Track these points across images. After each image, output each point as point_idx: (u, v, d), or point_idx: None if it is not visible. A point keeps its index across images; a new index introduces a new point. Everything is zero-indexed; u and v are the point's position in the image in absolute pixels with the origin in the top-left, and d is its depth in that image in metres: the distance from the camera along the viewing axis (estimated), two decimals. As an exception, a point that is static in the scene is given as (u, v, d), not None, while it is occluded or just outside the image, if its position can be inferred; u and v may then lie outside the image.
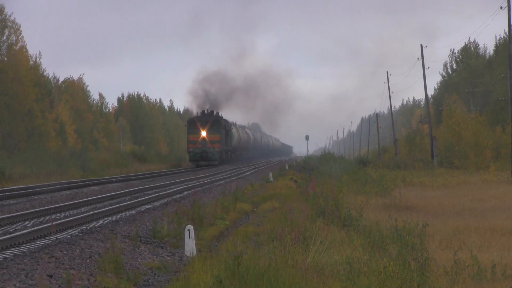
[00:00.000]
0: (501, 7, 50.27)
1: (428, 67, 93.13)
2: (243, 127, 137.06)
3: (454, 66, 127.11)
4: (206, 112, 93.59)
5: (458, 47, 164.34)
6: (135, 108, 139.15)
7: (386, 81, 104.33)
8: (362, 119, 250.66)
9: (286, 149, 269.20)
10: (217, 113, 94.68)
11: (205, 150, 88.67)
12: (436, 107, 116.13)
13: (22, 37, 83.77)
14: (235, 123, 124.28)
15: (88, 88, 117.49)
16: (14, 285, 14.20)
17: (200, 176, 59.91)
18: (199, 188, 43.16)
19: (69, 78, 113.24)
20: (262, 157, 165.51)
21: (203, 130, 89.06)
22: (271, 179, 54.76)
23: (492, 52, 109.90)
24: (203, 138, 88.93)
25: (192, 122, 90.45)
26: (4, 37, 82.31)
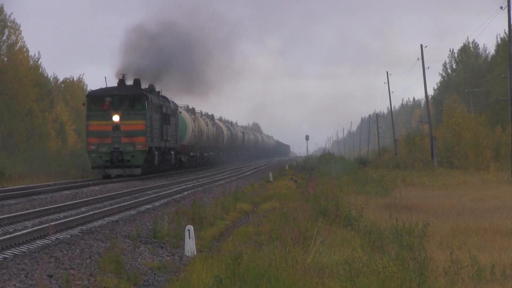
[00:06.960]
0: (501, 7, 50.24)
1: (428, 67, 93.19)
2: (211, 117, 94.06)
3: (454, 66, 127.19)
4: (125, 81, 55.77)
5: (457, 47, 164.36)
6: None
7: (386, 81, 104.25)
8: (362, 119, 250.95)
9: (282, 149, 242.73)
10: (152, 86, 58.45)
11: (118, 148, 52.25)
12: (436, 107, 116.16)
13: (22, 37, 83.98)
14: (193, 109, 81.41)
15: (88, 88, 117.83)
16: (14, 285, 14.21)
17: (200, 176, 59.93)
18: (199, 188, 43.14)
19: (68, 78, 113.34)
20: (246, 160, 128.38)
21: (116, 113, 52.31)
22: (271, 179, 54.76)
23: (493, 52, 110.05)
24: (116, 127, 52.22)
25: (96, 98, 53.06)
26: (4, 37, 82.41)
